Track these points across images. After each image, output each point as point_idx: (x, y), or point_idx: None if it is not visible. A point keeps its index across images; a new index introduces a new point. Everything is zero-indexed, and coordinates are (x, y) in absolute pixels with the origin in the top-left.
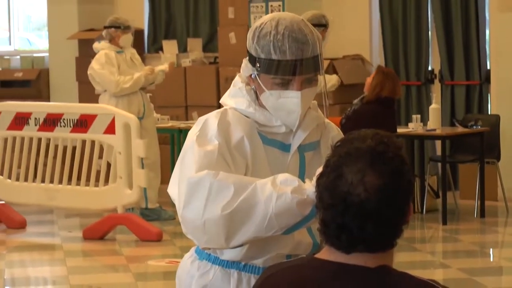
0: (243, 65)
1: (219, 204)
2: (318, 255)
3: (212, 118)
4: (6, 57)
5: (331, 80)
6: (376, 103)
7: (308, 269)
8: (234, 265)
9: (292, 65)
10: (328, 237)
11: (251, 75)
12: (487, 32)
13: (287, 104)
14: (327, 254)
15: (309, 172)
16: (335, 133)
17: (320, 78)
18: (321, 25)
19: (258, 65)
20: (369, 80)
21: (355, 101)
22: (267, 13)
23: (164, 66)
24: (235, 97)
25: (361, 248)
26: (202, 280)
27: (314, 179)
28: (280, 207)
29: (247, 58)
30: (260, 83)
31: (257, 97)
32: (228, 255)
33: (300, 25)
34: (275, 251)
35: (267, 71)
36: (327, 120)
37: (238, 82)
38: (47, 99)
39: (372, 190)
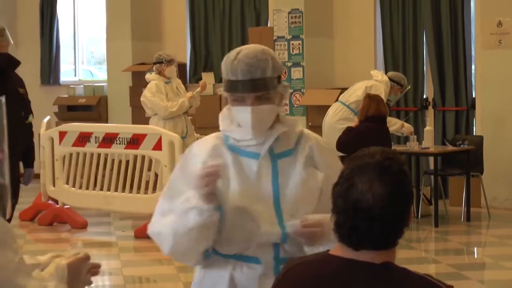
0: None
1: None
2: (331, 252)
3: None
4: (72, 86)
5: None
6: (366, 121)
7: (324, 264)
8: (230, 256)
9: (241, 84)
10: (341, 236)
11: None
12: (473, 66)
13: (242, 118)
14: (339, 251)
15: (283, 176)
16: (313, 142)
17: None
18: (400, 84)
19: (223, 84)
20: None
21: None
22: (289, 50)
23: (198, 88)
24: (222, 120)
25: (369, 246)
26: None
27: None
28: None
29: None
30: (228, 101)
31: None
32: (224, 251)
33: (257, 53)
34: (251, 242)
35: (225, 89)
36: (306, 131)
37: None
38: (106, 121)
39: (378, 197)
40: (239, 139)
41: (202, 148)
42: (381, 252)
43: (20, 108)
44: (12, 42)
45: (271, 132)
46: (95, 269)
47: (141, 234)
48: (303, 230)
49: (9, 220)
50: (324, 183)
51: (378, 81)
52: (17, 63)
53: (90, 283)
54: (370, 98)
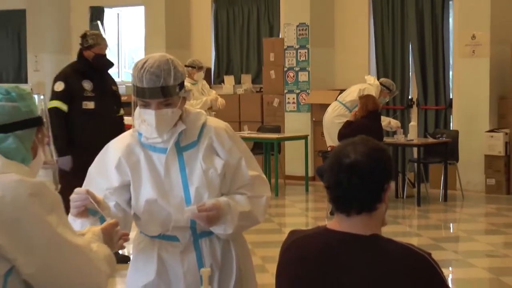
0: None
1: None
2: (329, 226)
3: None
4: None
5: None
6: (365, 117)
7: (323, 237)
8: (155, 236)
9: (147, 91)
10: (334, 203)
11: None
12: (451, 72)
13: (148, 120)
14: (336, 225)
15: (189, 166)
16: (212, 133)
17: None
18: (389, 89)
19: (133, 89)
20: (354, 112)
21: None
22: (297, 57)
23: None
24: (135, 120)
25: (355, 209)
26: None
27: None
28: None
29: None
30: (138, 104)
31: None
32: (148, 233)
33: (161, 63)
34: (167, 227)
35: (134, 94)
36: (209, 122)
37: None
38: None
39: (360, 154)
40: (148, 137)
41: (118, 146)
42: (367, 222)
43: (113, 103)
44: (108, 46)
45: (175, 129)
46: (125, 236)
47: None
48: (199, 214)
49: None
50: (226, 168)
51: (370, 85)
52: (111, 64)
53: (122, 247)
54: (366, 97)
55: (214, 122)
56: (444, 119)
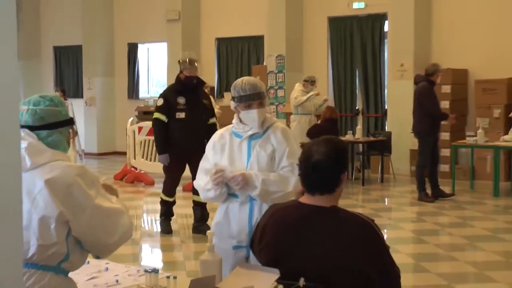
0: (230, 104)
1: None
2: (300, 200)
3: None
4: (146, 99)
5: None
6: (325, 121)
7: (296, 209)
8: (229, 194)
9: (248, 96)
10: (304, 186)
11: (235, 107)
12: (386, 90)
13: (251, 117)
14: (305, 199)
15: (254, 150)
16: (272, 130)
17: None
18: (306, 81)
19: (235, 100)
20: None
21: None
22: (276, 79)
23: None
24: (234, 120)
25: (319, 192)
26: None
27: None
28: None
29: (231, 99)
30: (239, 109)
31: (239, 117)
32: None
33: (252, 80)
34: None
35: (237, 101)
36: (276, 124)
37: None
38: None
39: (322, 154)
40: (238, 128)
41: (215, 135)
42: (328, 199)
43: (203, 113)
44: (197, 69)
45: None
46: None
47: (187, 188)
48: (230, 178)
49: None
50: (273, 153)
51: (297, 87)
52: (203, 83)
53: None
54: (327, 108)
55: (277, 124)
56: (381, 124)
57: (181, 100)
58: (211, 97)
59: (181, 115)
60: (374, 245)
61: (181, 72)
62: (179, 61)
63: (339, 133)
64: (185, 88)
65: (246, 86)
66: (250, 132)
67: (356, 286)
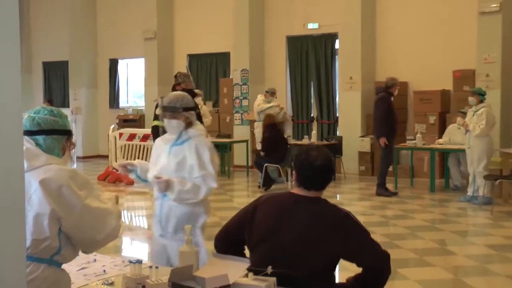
0: None
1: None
2: (292, 191)
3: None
4: (125, 108)
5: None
6: (268, 127)
7: (287, 198)
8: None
9: (164, 108)
10: (300, 183)
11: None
12: (337, 99)
13: (169, 126)
14: (296, 190)
15: (170, 155)
16: (193, 144)
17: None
18: (267, 92)
19: (159, 110)
20: (263, 122)
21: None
22: (241, 90)
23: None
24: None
25: (314, 187)
26: None
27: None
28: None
29: None
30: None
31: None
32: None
33: (173, 95)
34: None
35: (162, 111)
36: (199, 138)
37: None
38: (143, 127)
39: (319, 159)
40: (167, 137)
41: (156, 142)
42: (319, 193)
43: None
44: (193, 85)
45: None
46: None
47: None
48: (155, 181)
49: None
50: (184, 160)
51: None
52: (195, 94)
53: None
54: (267, 116)
55: (199, 138)
56: (333, 129)
57: None
58: (204, 104)
59: None
60: (353, 230)
61: (178, 84)
62: (175, 75)
63: (282, 133)
64: None
65: (165, 100)
66: (173, 140)
67: (328, 265)
